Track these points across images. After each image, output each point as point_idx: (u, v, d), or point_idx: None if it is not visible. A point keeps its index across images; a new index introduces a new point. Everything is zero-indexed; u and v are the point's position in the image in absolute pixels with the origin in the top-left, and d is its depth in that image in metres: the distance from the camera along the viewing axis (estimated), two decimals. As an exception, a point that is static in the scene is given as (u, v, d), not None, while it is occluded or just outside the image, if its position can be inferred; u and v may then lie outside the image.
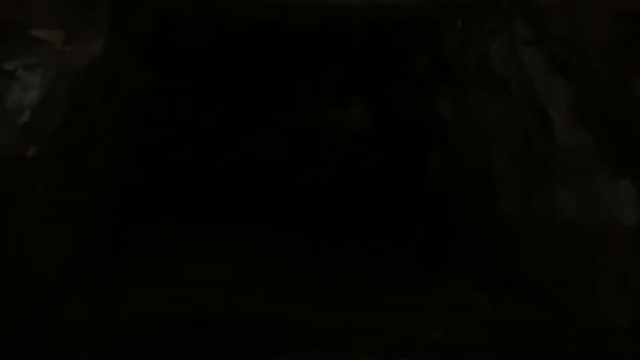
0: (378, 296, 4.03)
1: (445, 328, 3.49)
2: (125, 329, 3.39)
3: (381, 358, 3.09)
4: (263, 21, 4.65)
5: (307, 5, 3.57)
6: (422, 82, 5.32)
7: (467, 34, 4.33)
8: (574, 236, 3.81)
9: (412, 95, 5.64)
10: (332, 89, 7.26)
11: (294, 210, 6.66)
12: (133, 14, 4.25)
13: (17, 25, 2.54)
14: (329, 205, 6.73)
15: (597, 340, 3.33)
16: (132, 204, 5.66)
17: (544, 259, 4.08)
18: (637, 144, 3.01)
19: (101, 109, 4.61)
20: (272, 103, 7.43)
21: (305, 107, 7.39)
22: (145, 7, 4.07)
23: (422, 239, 5.43)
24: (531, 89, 3.87)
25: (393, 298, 4.01)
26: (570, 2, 2.86)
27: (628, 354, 3.08)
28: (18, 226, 3.06)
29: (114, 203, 5.50)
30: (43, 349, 3.09)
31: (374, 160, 6.90)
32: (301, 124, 7.35)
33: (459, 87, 4.80)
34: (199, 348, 3.21)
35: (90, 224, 4.59)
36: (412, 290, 4.20)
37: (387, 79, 6.15)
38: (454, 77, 4.79)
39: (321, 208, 6.67)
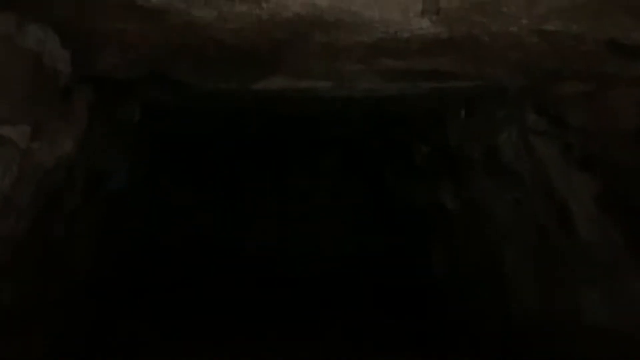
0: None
1: None
2: None
3: None
4: (259, 109, 4.33)
5: (305, 97, 3.24)
6: (422, 173, 4.96)
7: (472, 124, 4.00)
8: (601, 341, 3.35)
9: (413, 185, 5.28)
10: (329, 178, 6.91)
11: (289, 304, 6.23)
12: (121, 104, 3.92)
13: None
14: (325, 298, 6.31)
15: None
16: (114, 302, 5.19)
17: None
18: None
19: (81, 207, 4.21)
20: (266, 193, 7.07)
21: (301, 196, 7.00)
22: (135, 97, 3.73)
23: (425, 336, 4.93)
24: (548, 181, 3.51)
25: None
26: (594, 91, 2.52)
27: None
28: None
29: (93, 302, 4.97)
30: None
31: (372, 251, 6.47)
32: (296, 214, 6.95)
33: (464, 178, 4.45)
34: None
35: (66, 325, 4.08)
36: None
37: (386, 169, 5.80)
38: (458, 167, 4.44)
39: (317, 301, 6.25)
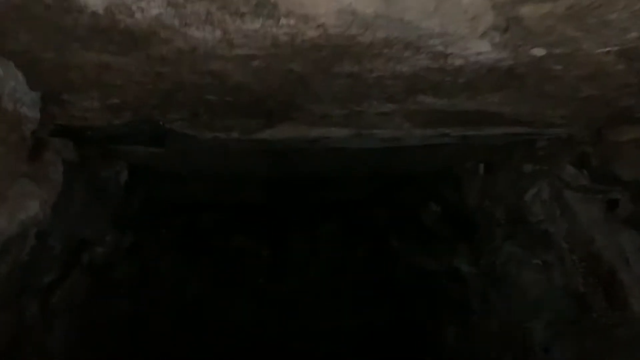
0: None
1: None
2: None
3: None
4: (251, 170, 3.84)
5: (309, 151, 2.75)
6: (433, 236, 4.43)
7: (493, 180, 3.51)
8: None
9: (421, 250, 4.73)
10: (328, 245, 6.34)
11: None
12: (105, 164, 3.40)
13: None
14: None
15: None
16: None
17: None
18: None
19: (59, 280, 3.62)
20: (260, 264, 6.47)
21: (299, 266, 6.41)
22: (121, 156, 3.22)
23: None
24: (587, 244, 2.97)
25: None
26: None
27: None
28: None
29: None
30: None
31: (377, 326, 5.82)
32: (293, 286, 6.33)
33: (482, 241, 3.91)
34: None
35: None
36: None
37: (391, 233, 5.25)
38: (475, 229, 3.92)
39: None
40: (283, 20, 1.38)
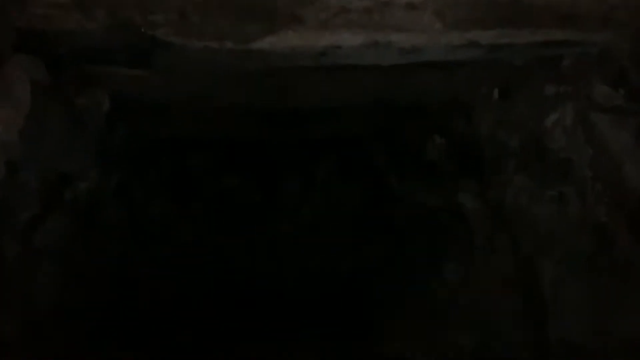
0: None
1: None
2: None
3: None
4: (244, 102, 3.47)
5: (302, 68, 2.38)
6: (436, 171, 4.13)
7: (508, 106, 3.18)
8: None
9: (423, 187, 4.45)
10: (324, 185, 6.04)
11: (283, 327, 5.37)
12: (83, 88, 3.01)
13: None
14: (324, 319, 5.46)
15: None
16: (85, 334, 4.24)
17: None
18: None
19: (41, 217, 3.31)
20: (253, 206, 6.16)
21: (294, 205, 6.12)
22: (100, 79, 2.83)
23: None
24: (614, 171, 2.67)
25: None
26: None
27: None
28: None
29: (60, 336, 4.00)
30: None
31: (374, 267, 5.59)
32: (288, 226, 6.05)
33: (491, 173, 3.61)
34: None
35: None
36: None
37: (391, 169, 4.95)
38: (484, 161, 3.61)
39: (315, 323, 5.41)
40: None
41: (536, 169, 3.18)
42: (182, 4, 1.75)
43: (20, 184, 2.79)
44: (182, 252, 6.04)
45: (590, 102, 2.62)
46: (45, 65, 2.64)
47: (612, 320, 2.91)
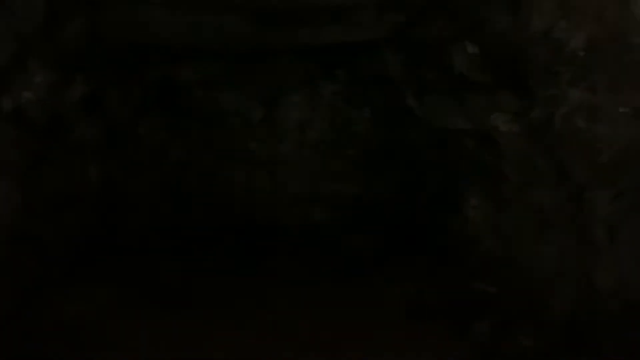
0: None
1: None
2: None
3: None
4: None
5: None
6: (463, 87, 3.29)
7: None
8: None
9: (445, 104, 3.62)
10: (330, 104, 5.23)
11: (282, 256, 4.78)
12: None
13: None
14: (324, 248, 4.85)
15: None
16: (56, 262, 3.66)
17: None
18: None
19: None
20: (251, 126, 5.38)
21: (295, 130, 5.34)
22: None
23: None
24: None
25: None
26: None
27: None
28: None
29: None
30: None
31: (383, 195, 4.87)
32: (289, 148, 5.31)
33: (537, 88, 2.77)
34: None
35: None
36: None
37: (407, 86, 4.08)
38: (529, 70, 2.75)
39: (313, 252, 4.81)
40: None
41: (606, 75, 2.33)
42: None
43: None
44: (172, 174, 5.36)
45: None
46: None
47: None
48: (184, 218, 5.17)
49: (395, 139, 5.06)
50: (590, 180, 2.67)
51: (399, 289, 3.75)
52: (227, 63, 5.14)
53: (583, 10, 2.16)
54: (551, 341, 2.88)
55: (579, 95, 2.55)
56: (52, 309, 3.32)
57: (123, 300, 3.54)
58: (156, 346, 2.97)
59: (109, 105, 4.16)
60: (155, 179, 5.20)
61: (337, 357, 2.95)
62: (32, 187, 3.39)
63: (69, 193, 3.90)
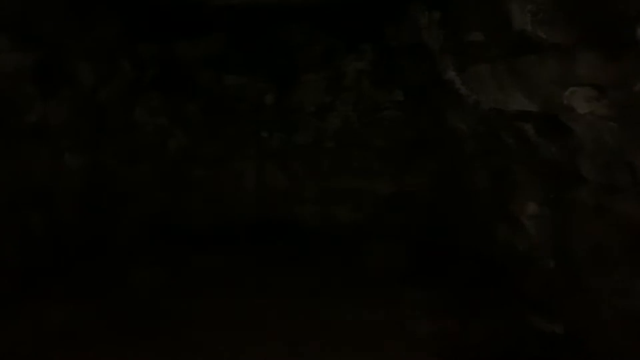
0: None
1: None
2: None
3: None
4: None
5: None
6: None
7: None
8: None
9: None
10: (355, 83, 4.31)
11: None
12: None
13: None
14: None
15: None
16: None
17: None
18: None
19: None
20: (263, 111, 4.52)
21: (314, 116, 4.46)
22: None
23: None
24: None
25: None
26: None
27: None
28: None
29: None
30: None
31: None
32: (304, 143, 4.43)
33: None
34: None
35: None
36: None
37: (448, 57, 3.10)
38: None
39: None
40: None
41: None
42: None
43: None
44: (172, 162, 4.57)
45: None
46: None
47: None
48: (183, 216, 4.40)
49: (431, 126, 4.10)
50: None
51: (432, 321, 2.84)
52: (233, 37, 4.31)
53: None
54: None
55: None
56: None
57: (79, 322, 2.76)
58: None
59: (82, 83, 3.37)
60: (153, 170, 4.44)
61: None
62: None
63: (28, 188, 3.15)
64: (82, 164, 3.91)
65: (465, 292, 3.25)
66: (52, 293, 3.10)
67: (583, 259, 2.42)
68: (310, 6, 3.49)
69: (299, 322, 2.91)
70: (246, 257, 4.01)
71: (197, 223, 4.41)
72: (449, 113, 3.59)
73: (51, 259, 3.37)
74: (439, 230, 4.03)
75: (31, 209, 3.24)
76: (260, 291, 3.38)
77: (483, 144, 3.45)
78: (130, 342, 2.59)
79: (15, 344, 2.54)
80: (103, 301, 2.99)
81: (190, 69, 4.44)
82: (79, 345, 2.54)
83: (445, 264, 3.66)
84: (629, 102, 1.91)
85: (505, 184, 3.34)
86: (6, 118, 2.80)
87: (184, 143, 4.51)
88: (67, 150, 3.63)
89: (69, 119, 3.40)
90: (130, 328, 2.74)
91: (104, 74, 3.62)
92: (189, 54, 4.39)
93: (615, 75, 1.92)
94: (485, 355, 2.54)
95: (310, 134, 4.52)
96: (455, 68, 2.87)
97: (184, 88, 4.46)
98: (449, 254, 3.73)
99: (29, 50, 2.67)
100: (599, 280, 2.30)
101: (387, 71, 4.32)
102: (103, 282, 3.32)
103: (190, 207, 4.48)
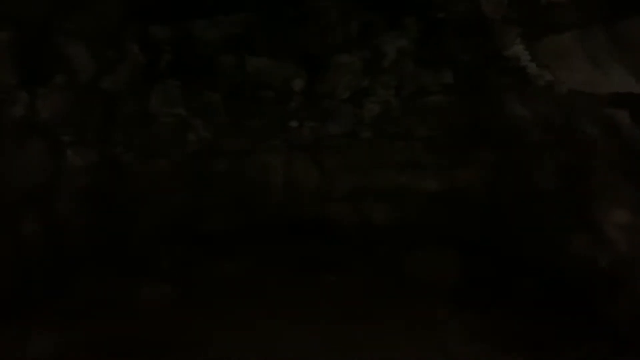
0: None
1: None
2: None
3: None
4: None
5: None
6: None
7: None
8: None
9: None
10: (397, 64, 3.69)
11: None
12: None
13: None
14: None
15: None
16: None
17: None
18: None
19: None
20: (291, 99, 3.98)
21: (349, 103, 3.89)
22: None
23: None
24: None
25: None
26: None
27: None
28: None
29: None
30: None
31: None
32: (339, 134, 3.87)
33: None
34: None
35: None
36: None
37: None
38: None
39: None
40: None
41: None
42: None
43: None
44: (192, 158, 4.12)
45: None
46: None
47: None
48: (204, 216, 3.95)
49: (487, 113, 3.47)
50: None
51: (488, 356, 2.26)
52: (257, 16, 3.79)
53: None
54: None
55: None
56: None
57: (69, 351, 2.34)
58: None
59: (80, 69, 2.93)
60: (170, 165, 4.01)
61: None
62: None
63: (19, 190, 2.75)
64: (88, 162, 3.50)
65: (530, 317, 2.65)
66: (42, 316, 2.70)
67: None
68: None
69: (322, 347, 2.41)
70: (271, 263, 3.55)
71: (219, 224, 3.96)
72: (510, 97, 2.96)
73: (49, 272, 2.98)
74: (497, 237, 3.41)
75: (24, 214, 2.86)
76: (284, 306, 2.89)
77: (554, 134, 2.81)
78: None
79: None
80: (102, 326, 2.57)
81: (210, 52, 3.97)
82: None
83: (505, 280, 3.05)
84: None
85: (582, 184, 2.70)
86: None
87: (204, 135, 4.05)
88: (69, 146, 3.22)
89: (67, 111, 2.98)
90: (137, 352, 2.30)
91: (108, 60, 3.18)
92: (207, 35, 3.91)
93: None
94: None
95: (344, 123, 3.96)
96: (523, 41, 2.24)
97: (203, 74, 3.99)
98: (509, 266, 3.12)
99: (4, 29, 2.23)
100: None
101: (434, 49, 3.68)
102: (107, 300, 2.92)
103: (211, 206, 4.04)
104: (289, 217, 4.05)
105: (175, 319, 2.72)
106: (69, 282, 3.06)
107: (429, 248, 3.58)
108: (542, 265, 2.98)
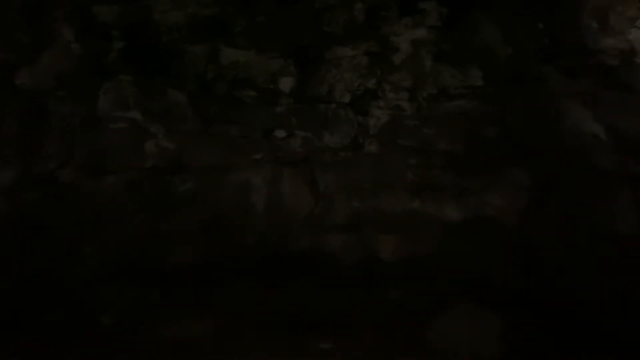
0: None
1: None
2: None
3: None
4: None
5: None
6: None
7: None
8: None
9: None
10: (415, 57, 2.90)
11: None
12: None
13: None
14: None
15: None
16: None
17: None
18: None
19: None
20: (275, 102, 3.19)
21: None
22: None
23: None
24: None
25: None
26: None
27: None
28: None
29: None
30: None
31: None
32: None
33: None
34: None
35: None
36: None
37: None
38: None
39: None
40: None
41: None
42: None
43: None
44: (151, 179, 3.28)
45: None
46: None
47: None
48: (164, 247, 3.11)
49: (527, 123, 2.69)
50: None
51: None
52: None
53: None
54: None
55: None
56: None
57: None
58: None
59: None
60: (124, 183, 3.17)
61: None
62: None
63: None
64: (9, 181, 2.65)
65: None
66: None
67: None
68: None
69: None
70: (245, 316, 2.73)
71: (184, 257, 3.15)
72: (577, 107, 2.17)
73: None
74: (542, 281, 2.64)
75: None
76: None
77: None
78: None
79: None
80: None
81: (174, 40, 3.13)
82: None
83: (565, 348, 2.27)
84: None
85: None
86: None
87: (165, 146, 3.22)
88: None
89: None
90: None
91: (24, 47, 2.32)
92: (170, 18, 3.07)
93: None
94: None
95: (344, 133, 3.16)
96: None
97: (165, 68, 3.16)
98: (568, 327, 2.34)
99: None
100: None
101: (461, 40, 2.90)
102: None
103: (174, 236, 3.21)
104: (273, 251, 3.24)
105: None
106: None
107: (452, 295, 2.81)
108: (620, 332, 2.20)
